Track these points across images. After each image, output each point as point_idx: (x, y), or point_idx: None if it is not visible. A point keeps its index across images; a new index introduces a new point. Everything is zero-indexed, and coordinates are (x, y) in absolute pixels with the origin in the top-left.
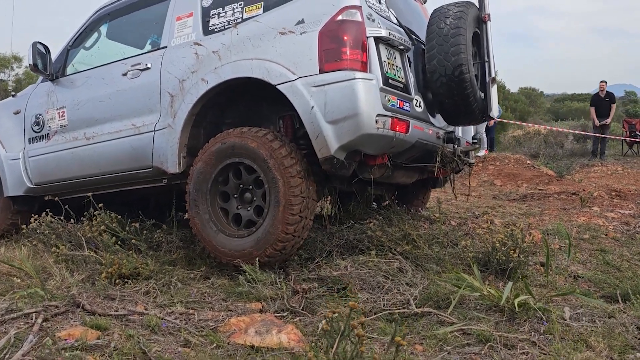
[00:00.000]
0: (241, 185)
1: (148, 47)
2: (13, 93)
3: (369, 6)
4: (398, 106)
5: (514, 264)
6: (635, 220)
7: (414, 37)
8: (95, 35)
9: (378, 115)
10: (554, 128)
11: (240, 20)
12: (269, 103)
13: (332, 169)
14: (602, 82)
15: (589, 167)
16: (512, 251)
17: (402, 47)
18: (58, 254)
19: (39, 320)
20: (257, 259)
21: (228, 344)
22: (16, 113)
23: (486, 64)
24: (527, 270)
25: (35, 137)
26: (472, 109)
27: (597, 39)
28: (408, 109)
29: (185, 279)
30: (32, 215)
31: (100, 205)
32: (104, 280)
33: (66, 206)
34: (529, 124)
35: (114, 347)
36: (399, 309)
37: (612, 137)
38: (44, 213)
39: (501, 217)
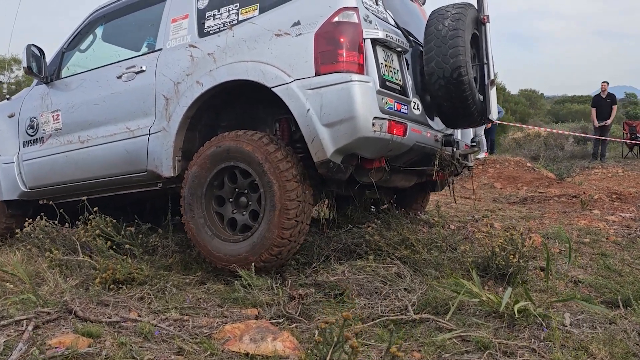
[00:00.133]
0: (236, 190)
1: (144, 49)
2: (8, 96)
3: (366, 7)
4: (395, 109)
5: (514, 269)
6: (636, 224)
7: (411, 38)
8: (91, 37)
9: (375, 118)
10: (554, 130)
11: (235, 22)
12: (265, 106)
13: (328, 172)
14: (603, 82)
15: (589, 170)
16: (512, 256)
17: (399, 49)
18: (52, 259)
19: (30, 328)
20: (253, 264)
21: (222, 351)
22: (10, 116)
23: (485, 66)
24: (527, 275)
25: (30, 140)
26: (471, 112)
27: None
28: (406, 111)
29: (181, 284)
30: (27, 219)
31: (95, 209)
32: (97, 286)
33: (61, 210)
34: (529, 127)
35: (105, 356)
36: (397, 315)
37: (613, 139)
38: (38, 217)
39: (501, 220)
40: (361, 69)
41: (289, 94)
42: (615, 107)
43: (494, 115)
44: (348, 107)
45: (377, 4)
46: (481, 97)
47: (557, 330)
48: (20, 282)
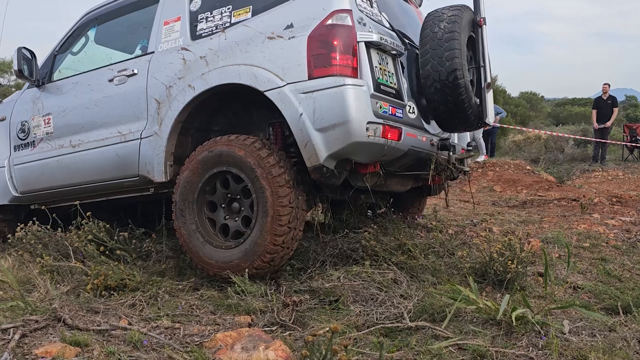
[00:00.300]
0: (229, 195)
1: (138, 52)
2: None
3: (360, 10)
4: (390, 113)
5: (512, 275)
6: (636, 228)
7: (407, 41)
8: (83, 40)
9: (369, 122)
10: (554, 133)
11: (228, 24)
12: (258, 110)
13: (321, 178)
14: (605, 84)
15: (589, 173)
16: (510, 262)
17: (394, 52)
18: (43, 265)
19: (16, 337)
20: (245, 270)
21: None
22: (2, 120)
23: (482, 69)
24: (526, 281)
25: (21, 144)
26: (467, 115)
27: (598, 43)
28: (401, 115)
29: (174, 291)
30: (19, 224)
31: (88, 214)
32: (89, 292)
33: (54, 215)
34: (529, 129)
35: None
36: (393, 322)
37: (613, 142)
38: (30, 222)
39: (500, 224)
40: (355, 73)
41: (282, 98)
42: (616, 110)
43: (490, 118)
44: (341, 111)
45: (371, 6)
46: (478, 100)
47: (555, 338)
48: (10, 288)
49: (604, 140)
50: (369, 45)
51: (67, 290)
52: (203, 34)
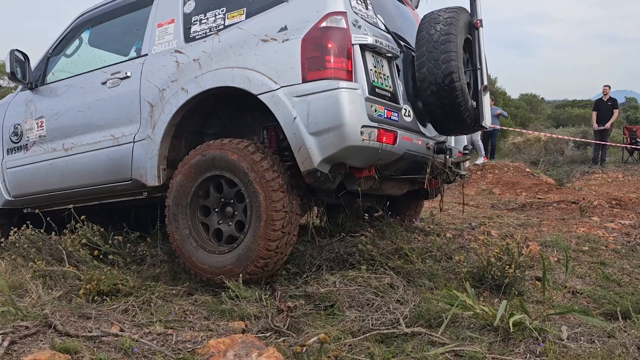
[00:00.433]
0: (222, 199)
1: (133, 54)
2: None
3: (355, 12)
4: (385, 116)
5: (510, 279)
6: (635, 231)
7: (403, 43)
8: (77, 42)
9: (363, 126)
10: (554, 135)
11: (222, 27)
12: (252, 113)
13: (315, 182)
14: (605, 86)
15: (589, 175)
16: (508, 266)
17: (389, 55)
18: (35, 270)
19: (5, 344)
20: (239, 275)
21: None
22: None
23: (478, 72)
24: (524, 286)
25: (14, 147)
26: (464, 118)
27: (598, 45)
28: (396, 118)
29: (167, 296)
30: (12, 228)
31: (82, 217)
32: (81, 297)
33: (47, 218)
34: (529, 131)
35: None
36: (388, 328)
37: (613, 144)
38: (24, 226)
39: (498, 228)
40: (349, 76)
41: (275, 101)
42: (616, 111)
43: (487, 121)
44: (335, 115)
45: (366, 9)
46: (474, 103)
47: (553, 345)
48: (1, 293)
49: (603, 143)
50: (363, 47)
51: (59, 295)
52: (197, 37)
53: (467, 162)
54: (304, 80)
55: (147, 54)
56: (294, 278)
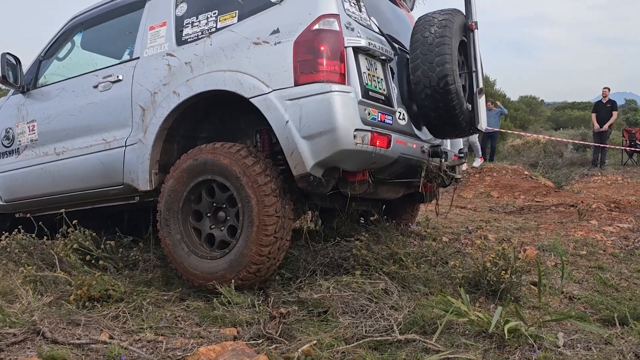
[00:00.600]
0: (214, 204)
1: (126, 57)
2: None
3: (348, 14)
4: (379, 119)
5: (506, 285)
6: (634, 235)
7: (397, 46)
8: (69, 45)
9: (356, 130)
10: (553, 137)
11: (214, 29)
12: (245, 116)
13: (308, 186)
14: (604, 88)
15: (588, 177)
16: (504, 271)
17: (383, 57)
18: (25, 275)
19: None
20: (231, 281)
21: None
22: None
23: (473, 74)
24: (520, 291)
25: (6, 152)
26: (459, 122)
27: (598, 47)
28: (390, 122)
29: (159, 301)
30: (4, 232)
31: (74, 222)
32: (72, 303)
33: (40, 223)
34: (528, 134)
35: None
36: (382, 335)
37: (612, 146)
38: (15, 230)
39: (496, 231)
40: (342, 79)
41: (267, 105)
42: (615, 113)
43: (482, 124)
44: (328, 118)
45: (360, 11)
46: (469, 106)
47: (549, 352)
48: None
49: (603, 145)
50: (357, 50)
51: (50, 301)
52: (189, 39)
53: (465, 164)
54: (296, 84)
55: (139, 57)
56: (288, 283)
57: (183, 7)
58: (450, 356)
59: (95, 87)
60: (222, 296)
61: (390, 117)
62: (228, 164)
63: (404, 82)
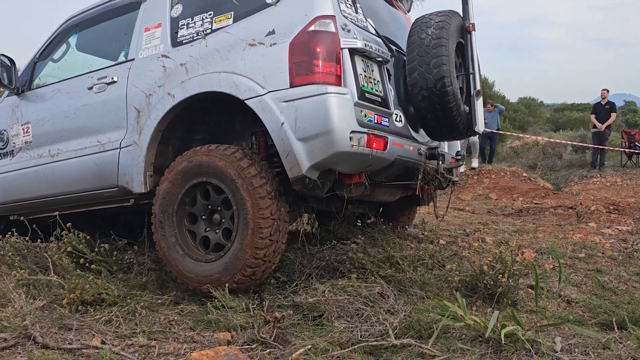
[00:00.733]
0: (209, 207)
1: (122, 58)
2: None
3: (344, 16)
4: (376, 121)
5: (503, 288)
6: (633, 237)
7: (394, 48)
8: (64, 46)
9: (352, 132)
10: (552, 139)
11: (209, 31)
12: (241, 118)
13: (304, 189)
14: (603, 90)
15: (587, 179)
16: (501, 275)
17: (380, 59)
18: (18, 279)
19: None
20: (226, 285)
21: None
22: None
23: (471, 76)
24: (518, 295)
25: (0, 154)
26: (456, 124)
27: (597, 49)
28: (387, 124)
29: (153, 305)
30: None
31: (68, 225)
32: (65, 307)
33: (34, 226)
34: (527, 135)
35: None
36: (377, 340)
37: (612, 148)
38: (9, 233)
39: (493, 234)
40: (338, 81)
41: (263, 106)
42: (613, 115)
43: (480, 127)
44: (324, 120)
45: (356, 12)
46: (467, 108)
47: (546, 357)
48: None
49: (602, 147)
50: (353, 52)
51: (42, 305)
52: (184, 41)
53: (463, 166)
54: (292, 85)
55: (134, 59)
56: (283, 287)
57: (178, 9)
58: None
59: (90, 88)
60: (216, 300)
61: (387, 119)
62: (223, 166)
63: (400, 84)
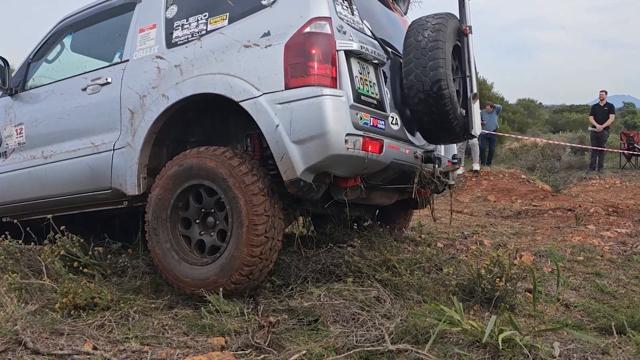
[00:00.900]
0: (203, 210)
1: (116, 59)
2: None
3: (340, 18)
4: (371, 124)
5: (501, 292)
6: (632, 240)
7: (391, 50)
8: (58, 47)
9: (348, 134)
10: (550, 141)
11: (204, 32)
12: (236, 120)
13: (299, 192)
14: (602, 91)
15: (586, 181)
16: (499, 279)
17: (376, 61)
18: (11, 282)
19: None
20: (223, 287)
21: None
22: None
23: (467, 79)
24: (515, 299)
25: None
26: (452, 127)
27: (596, 51)
28: (382, 127)
29: (147, 309)
30: None
31: (62, 227)
32: (57, 312)
33: (27, 228)
34: (526, 137)
35: None
36: (373, 345)
37: (611, 149)
38: (1, 237)
39: (491, 237)
40: (334, 83)
41: (257, 108)
42: (612, 116)
43: (477, 130)
44: (319, 123)
45: (352, 14)
46: (463, 111)
47: None
48: None
49: (601, 148)
50: (349, 54)
51: (34, 310)
52: (179, 42)
53: (462, 168)
54: (287, 87)
55: (128, 60)
56: (279, 291)
57: (173, 10)
58: None
59: (84, 89)
60: (210, 304)
61: (383, 122)
62: (214, 167)
63: (397, 87)
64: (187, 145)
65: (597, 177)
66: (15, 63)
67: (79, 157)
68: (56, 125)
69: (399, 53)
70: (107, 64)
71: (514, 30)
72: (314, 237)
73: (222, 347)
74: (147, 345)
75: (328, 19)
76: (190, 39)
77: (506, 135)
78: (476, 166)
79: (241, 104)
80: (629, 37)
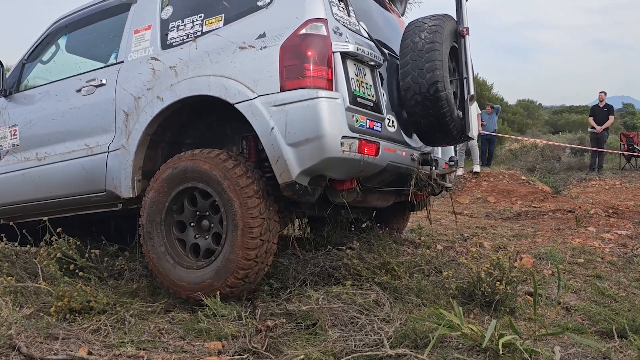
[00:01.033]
0: (197, 213)
1: (112, 60)
2: None
3: (336, 19)
4: (367, 126)
5: (501, 296)
6: (632, 242)
7: (387, 52)
8: (53, 48)
9: (344, 137)
10: (550, 142)
11: (199, 33)
12: (231, 123)
13: (294, 195)
14: (601, 92)
15: (586, 182)
16: (499, 282)
17: (372, 63)
18: (5, 286)
19: None
20: (219, 290)
21: None
22: None
23: (465, 81)
24: (516, 302)
25: None
26: (449, 129)
27: (596, 52)
28: (379, 129)
29: (144, 313)
30: None
31: (58, 230)
32: (53, 316)
33: (24, 230)
34: (525, 138)
35: None
36: (372, 350)
37: (610, 150)
38: None
39: (491, 239)
40: (330, 85)
41: (252, 110)
42: (612, 117)
43: (474, 132)
44: (314, 125)
45: (348, 15)
46: (460, 113)
47: None
48: None
49: (600, 149)
50: (345, 55)
51: (29, 313)
52: (174, 43)
53: (461, 169)
54: (282, 89)
55: (123, 61)
56: (277, 294)
57: (169, 11)
58: None
59: (79, 91)
60: (207, 308)
61: (379, 124)
62: (208, 169)
63: (393, 89)
64: (183, 148)
65: (597, 178)
66: (13, 64)
67: (73, 159)
68: (50, 126)
69: (396, 54)
70: (102, 65)
71: (514, 30)
72: (312, 239)
73: (219, 352)
74: (143, 349)
75: (324, 20)
76: (185, 40)
77: (506, 136)
78: (476, 168)
79: (236, 106)
80: (629, 39)
